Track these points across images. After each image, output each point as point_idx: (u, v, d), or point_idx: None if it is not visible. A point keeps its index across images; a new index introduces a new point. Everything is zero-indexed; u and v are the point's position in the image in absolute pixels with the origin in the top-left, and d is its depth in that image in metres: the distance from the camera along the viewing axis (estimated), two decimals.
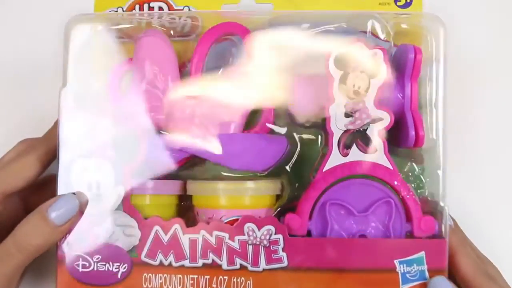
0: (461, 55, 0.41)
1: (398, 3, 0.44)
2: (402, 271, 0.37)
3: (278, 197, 0.40)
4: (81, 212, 0.38)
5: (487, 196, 0.40)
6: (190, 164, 0.41)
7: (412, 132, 0.38)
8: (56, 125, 0.40)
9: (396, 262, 0.37)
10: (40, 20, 0.47)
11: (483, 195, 0.40)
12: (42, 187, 0.42)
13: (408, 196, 0.38)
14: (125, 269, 0.38)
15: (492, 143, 0.44)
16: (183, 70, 0.41)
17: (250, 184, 0.39)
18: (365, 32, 0.40)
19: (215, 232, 0.38)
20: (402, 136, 0.39)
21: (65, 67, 0.40)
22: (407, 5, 0.44)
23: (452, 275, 0.38)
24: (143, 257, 0.38)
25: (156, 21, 0.42)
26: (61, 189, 0.39)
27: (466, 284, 0.38)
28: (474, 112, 0.44)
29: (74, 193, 0.38)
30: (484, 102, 0.44)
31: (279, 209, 0.39)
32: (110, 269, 0.38)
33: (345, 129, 0.38)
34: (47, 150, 0.40)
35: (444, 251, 0.37)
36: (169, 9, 0.45)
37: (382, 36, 0.39)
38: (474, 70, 0.44)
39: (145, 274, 0.38)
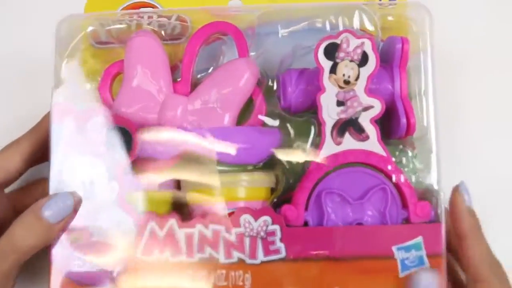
0: (447, 44, 0.42)
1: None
2: (401, 258, 0.37)
3: (272, 191, 0.40)
4: (75, 210, 0.38)
5: (479, 183, 0.40)
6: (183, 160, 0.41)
7: (403, 120, 0.38)
8: (42, 121, 0.40)
9: (394, 248, 0.37)
10: (29, 24, 0.48)
11: (475, 182, 0.40)
12: (32, 190, 0.41)
13: (402, 182, 0.38)
14: (120, 267, 0.38)
15: (483, 129, 0.44)
16: (175, 72, 0.42)
17: (244, 176, 0.39)
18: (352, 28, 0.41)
19: (211, 226, 0.38)
20: (394, 125, 0.39)
21: (57, 68, 0.40)
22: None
23: (459, 258, 0.37)
24: (138, 254, 0.38)
25: (146, 24, 0.43)
26: (53, 188, 0.38)
27: (469, 271, 0.37)
28: (463, 100, 0.45)
29: (70, 192, 0.38)
30: (472, 90, 0.45)
31: (275, 200, 0.39)
32: (105, 267, 0.38)
33: (337, 118, 0.38)
34: (31, 144, 0.40)
35: (440, 235, 0.37)
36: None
37: (370, 27, 0.40)
38: (461, 58, 0.44)
39: (141, 271, 0.38)
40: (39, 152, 0.40)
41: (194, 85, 0.42)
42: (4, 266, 0.37)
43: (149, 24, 0.43)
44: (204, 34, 0.41)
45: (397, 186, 0.38)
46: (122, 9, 0.46)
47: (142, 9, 0.46)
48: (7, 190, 0.42)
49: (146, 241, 0.38)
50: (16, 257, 0.37)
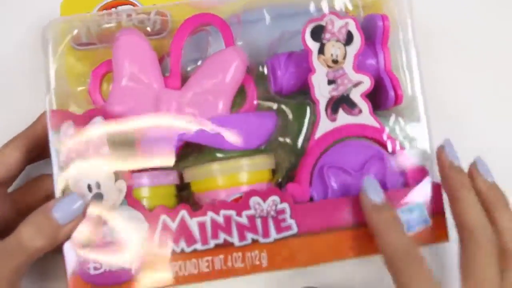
0: (425, 16, 0.44)
1: None
2: (406, 219, 0.39)
3: (273, 172, 0.42)
4: (83, 213, 0.38)
5: (469, 146, 0.42)
6: (184, 154, 0.42)
7: (391, 92, 0.40)
8: (39, 119, 0.41)
9: (398, 211, 0.39)
10: (4, 29, 0.47)
11: (465, 146, 0.42)
12: (33, 188, 0.42)
13: (398, 150, 0.40)
14: (138, 263, 0.38)
15: (469, 94, 0.47)
16: (161, 64, 0.42)
17: (245, 161, 0.40)
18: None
19: (222, 211, 0.39)
20: (382, 98, 0.41)
21: (47, 73, 0.40)
22: None
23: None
24: (154, 248, 0.38)
25: (126, 23, 0.43)
26: (59, 193, 0.38)
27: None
28: (447, 68, 0.47)
29: (80, 194, 0.38)
30: (454, 58, 0.48)
31: (279, 180, 0.41)
32: (123, 265, 0.38)
33: (330, 96, 0.40)
34: (29, 141, 0.41)
35: (440, 195, 0.40)
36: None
37: (352, 8, 0.42)
38: (440, 29, 0.47)
39: (159, 264, 0.38)
40: (38, 148, 0.41)
41: (184, 78, 0.42)
42: (11, 266, 0.37)
43: (129, 21, 0.43)
44: (189, 27, 0.42)
45: (393, 154, 0.40)
46: (99, 8, 0.46)
47: (120, 8, 0.46)
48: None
49: (160, 234, 0.38)
50: (23, 257, 0.37)
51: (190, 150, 0.42)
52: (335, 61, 0.40)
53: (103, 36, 0.43)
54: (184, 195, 0.42)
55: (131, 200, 0.39)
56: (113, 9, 0.46)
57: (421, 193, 0.39)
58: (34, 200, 0.40)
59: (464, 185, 0.38)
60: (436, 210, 0.39)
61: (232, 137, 0.40)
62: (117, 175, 0.39)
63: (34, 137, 0.40)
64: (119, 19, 0.43)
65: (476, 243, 0.36)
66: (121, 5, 0.46)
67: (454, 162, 0.39)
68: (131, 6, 0.46)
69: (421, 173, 0.40)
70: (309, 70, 0.40)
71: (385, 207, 0.38)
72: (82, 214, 0.38)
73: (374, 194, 0.38)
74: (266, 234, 0.39)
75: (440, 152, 0.39)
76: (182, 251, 0.38)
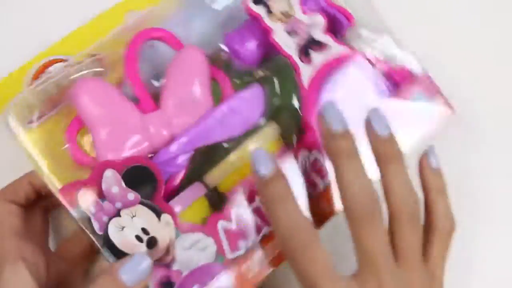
0: None
1: None
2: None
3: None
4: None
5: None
6: (194, 167, 0.41)
7: (344, 21, 0.43)
8: (24, 178, 0.41)
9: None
10: None
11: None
12: (76, 238, 0.43)
13: (377, 60, 0.43)
14: (226, 278, 0.37)
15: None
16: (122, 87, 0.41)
17: (255, 137, 0.40)
18: None
19: None
20: (337, 28, 0.43)
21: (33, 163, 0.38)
22: None
23: None
24: (229, 255, 0.37)
25: (65, 81, 0.41)
26: (111, 256, 0.36)
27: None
28: None
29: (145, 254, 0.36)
30: None
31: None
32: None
33: (296, 45, 0.42)
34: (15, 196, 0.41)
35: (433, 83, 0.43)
36: None
37: None
38: None
39: (243, 267, 0.37)
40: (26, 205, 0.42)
41: (154, 96, 0.41)
42: None
43: (66, 77, 0.41)
44: (136, 46, 0.41)
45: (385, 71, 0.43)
46: (33, 75, 0.43)
47: (52, 68, 0.43)
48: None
49: (227, 241, 0.38)
50: None
51: (196, 158, 0.41)
52: (285, 14, 0.42)
53: (49, 103, 0.41)
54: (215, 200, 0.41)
55: (182, 226, 0.37)
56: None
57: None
58: (79, 250, 0.42)
59: (343, 152, 0.35)
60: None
61: (231, 123, 0.40)
62: (157, 212, 0.37)
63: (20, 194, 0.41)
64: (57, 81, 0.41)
65: (357, 219, 0.34)
66: (52, 65, 0.44)
67: (333, 127, 0.35)
68: (62, 63, 0.44)
69: (408, 74, 0.43)
70: (266, 33, 0.42)
71: (274, 179, 0.34)
72: (150, 273, 0.36)
73: (262, 166, 0.34)
74: (314, 187, 0.40)
75: (319, 117, 0.36)
76: (255, 241, 0.38)
